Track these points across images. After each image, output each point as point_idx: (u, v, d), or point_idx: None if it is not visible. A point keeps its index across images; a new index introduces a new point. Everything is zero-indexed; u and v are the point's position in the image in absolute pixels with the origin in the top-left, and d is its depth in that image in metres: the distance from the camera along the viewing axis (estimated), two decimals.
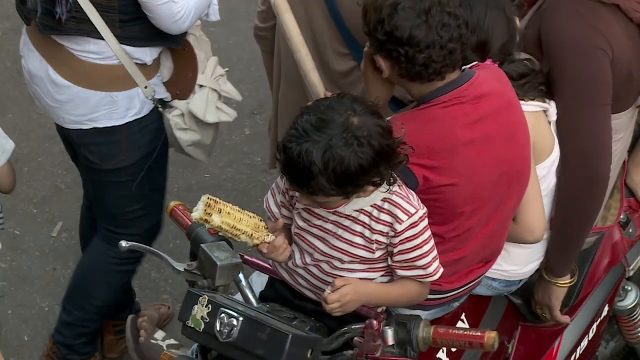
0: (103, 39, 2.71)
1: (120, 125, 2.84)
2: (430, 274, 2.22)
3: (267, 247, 2.23)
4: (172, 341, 2.52)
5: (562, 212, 2.71)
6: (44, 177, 4.17)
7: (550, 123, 2.60)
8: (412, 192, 2.20)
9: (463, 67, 2.35)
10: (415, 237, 2.20)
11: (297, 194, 2.24)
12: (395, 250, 2.22)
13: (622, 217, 3.11)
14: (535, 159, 2.52)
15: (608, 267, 3.09)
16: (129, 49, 2.72)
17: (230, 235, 2.23)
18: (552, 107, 2.59)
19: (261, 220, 2.25)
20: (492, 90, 2.36)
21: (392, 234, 2.20)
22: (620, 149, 2.88)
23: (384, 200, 2.18)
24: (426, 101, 2.30)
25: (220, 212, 2.21)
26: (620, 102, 2.72)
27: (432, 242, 2.24)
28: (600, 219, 2.95)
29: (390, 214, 2.18)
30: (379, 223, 2.19)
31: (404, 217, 2.17)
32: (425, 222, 2.23)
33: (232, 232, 2.21)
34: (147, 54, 2.76)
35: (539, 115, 2.54)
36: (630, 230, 3.17)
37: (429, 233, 2.24)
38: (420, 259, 2.20)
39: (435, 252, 2.27)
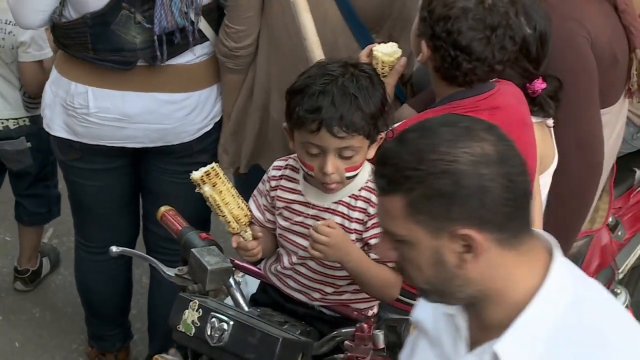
0: (208, 39, 2.85)
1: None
2: None
3: (237, 241, 2.25)
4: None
5: (558, 207, 2.70)
6: None
7: (550, 129, 2.59)
8: None
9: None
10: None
11: (278, 192, 2.27)
12: (367, 235, 2.21)
13: (610, 219, 3.12)
14: (539, 169, 2.52)
15: (597, 269, 3.10)
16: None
17: (213, 209, 2.26)
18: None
19: (246, 216, 2.25)
20: (508, 104, 2.36)
21: (366, 218, 2.20)
22: (609, 150, 2.87)
23: (361, 189, 2.20)
24: (444, 102, 2.30)
25: (214, 186, 2.22)
26: (608, 92, 2.72)
27: None
28: (589, 220, 2.96)
29: (365, 199, 2.20)
30: (355, 210, 2.21)
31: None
32: None
33: (215, 210, 2.23)
34: None
35: (542, 125, 2.56)
36: (619, 233, 3.19)
37: None
38: None
39: None
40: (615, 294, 3.23)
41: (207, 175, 2.21)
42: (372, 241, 2.21)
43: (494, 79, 2.36)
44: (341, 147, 2.13)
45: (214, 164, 2.24)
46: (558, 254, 1.44)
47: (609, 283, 3.21)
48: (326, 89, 2.11)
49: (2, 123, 3.45)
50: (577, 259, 2.97)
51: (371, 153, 2.16)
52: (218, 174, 2.23)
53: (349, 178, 2.16)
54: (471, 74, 2.25)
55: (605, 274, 3.15)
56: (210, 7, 2.82)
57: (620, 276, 3.25)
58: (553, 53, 2.56)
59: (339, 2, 2.71)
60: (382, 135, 2.18)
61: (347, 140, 2.11)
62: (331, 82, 2.11)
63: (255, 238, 2.25)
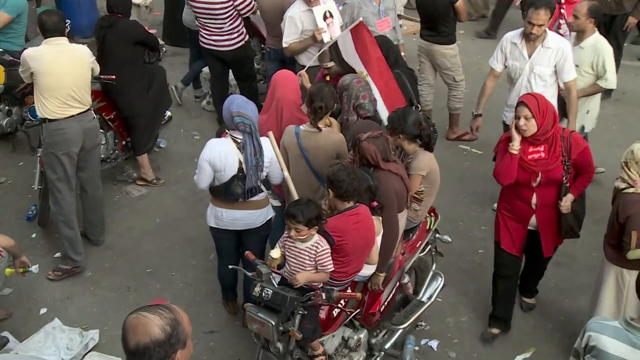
0: (263, 191, 5.25)
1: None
2: (327, 267, 4.23)
3: (269, 266, 4.29)
4: None
5: (383, 248, 4.66)
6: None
7: (380, 222, 4.60)
8: (325, 241, 4.23)
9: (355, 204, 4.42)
10: (322, 255, 4.24)
11: (285, 241, 4.31)
12: (317, 260, 4.18)
13: (403, 251, 5.30)
14: (378, 233, 4.56)
15: (397, 268, 5.24)
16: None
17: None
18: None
19: (278, 264, 4.22)
20: (366, 216, 4.44)
21: (314, 256, 4.20)
22: (401, 227, 4.86)
23: (313, 243, 4.20)
24: (339, 212, 4.34)
25: (273, 261, 4.29)
26: (400, 206, 4.69)
27: (330, 259, 4.17)
28: (395, 251, 5.01)
29: (315, 247, 4.19)
30: (311, 252, 4.21)
31: (320, 248, 4.21)
32: (328, 251, 4.18)
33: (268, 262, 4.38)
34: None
35: (378, 219, 4.57)
36: (405, 255, 5.30)
37: (327, 254, 4.20)
38: (324, 263, 4.20)
39: (330, 262, 4.16)
40: (405, 276, 5.35)
41: (274, 260, 4.20)
42: (317, 262, 4.06)
43: (358, 203, 4.33)
44: (296, 227, 4.08)
45: (279, 253, 4.25)
46: None
47: (402, 273, 5.28)
48: (296, 207, 4.13)
49: None
50: (391, 265, 4.97)
51: (312, 232, 4.12)
52: (276, 259, 4.25)
53: (300, 240, 4.10)
54: (348, 191, 4.21)
55: (401, 270, 5.24)
56: (264, 179, 5.30)
57: (407, 269, 5.37)
58: (382, 195, 4.47)
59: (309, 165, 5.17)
60: (317, 227, 4.08)
61: (297, 225, 4.11)
62: (298, 204, 4.12)
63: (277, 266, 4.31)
